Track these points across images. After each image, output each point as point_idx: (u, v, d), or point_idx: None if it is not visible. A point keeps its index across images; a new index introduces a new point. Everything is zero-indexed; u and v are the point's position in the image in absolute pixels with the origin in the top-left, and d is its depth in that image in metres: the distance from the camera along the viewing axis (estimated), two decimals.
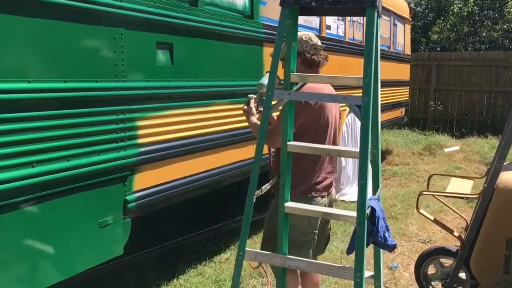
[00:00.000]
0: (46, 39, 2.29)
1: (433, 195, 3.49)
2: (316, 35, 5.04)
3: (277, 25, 2.02)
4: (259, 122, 2.86)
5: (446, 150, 9.43)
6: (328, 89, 2.75)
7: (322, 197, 2.72)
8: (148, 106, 2.91)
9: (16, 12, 2.15)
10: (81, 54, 2.48)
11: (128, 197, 2.82)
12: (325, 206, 2.71)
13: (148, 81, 2.90)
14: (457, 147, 9.62)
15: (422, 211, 3.42)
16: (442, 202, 3.59)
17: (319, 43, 2.74)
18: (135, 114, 2.82)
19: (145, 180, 2.95)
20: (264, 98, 2.73)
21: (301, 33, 2.69)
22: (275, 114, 2.95)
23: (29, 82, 2.21)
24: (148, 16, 2.85)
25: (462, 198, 3.82)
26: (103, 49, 2.61)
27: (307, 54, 2.67)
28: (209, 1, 3.43)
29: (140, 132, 2.86)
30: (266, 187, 2.37)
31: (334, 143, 2.78)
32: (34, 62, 2.25)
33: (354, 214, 1.89)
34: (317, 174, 2.70)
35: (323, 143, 2.65)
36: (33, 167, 2.26)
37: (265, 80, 2.69)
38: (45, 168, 2.31)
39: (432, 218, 3.42)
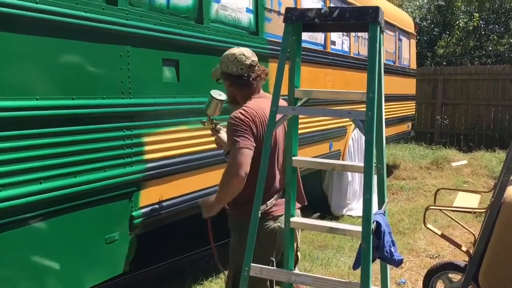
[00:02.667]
0: (53, 57, 2.33)
1: (440, 209, 3.47)
2: (321, 50, 5.11)
3: (281, 41, 2.05)
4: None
5: (453, 164, 9.37)
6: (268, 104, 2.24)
7: (275, 219, 2.45)
8: (154, 122, 2.93)
9: (24, 31, 2.19)
10: (88, 71, 2.52)
11: (134, 213, 2.83)
12: (278, 230, 2.43)
13: (154, 98, 2.93)
14: (464, 161, 9.56)
15: (429, 226, 3.40)
16: (450, 217, 3.57)
17: (248, 61, 2.49)
18: (141, 130, 2.84)
19: (151, 196, 2.96)
20: (211, 118, 2.84)
21: (229, 51, 2.52)
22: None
23: (37, 99, 2.25)
24: (154, 34, 2.89)
25: (470, 212, 3.80)
26: (110, 66, 2.64)
27: (232, 77, 2.51)
28: (215, 18, 3.47)
29: (147, 148, 2.88)
30: (271, 202, 2.38)
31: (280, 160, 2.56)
32: (42, 80, 2.29)
33: (359, 228, 1.89)
34: (267, 195, 2.40)
35: (273, 162, 2.47)
36: (41, 183, 2.28)
37: (209, 103, 2.77)
38: (52, 184, 2.33)
39: (439, 233, 3.40)
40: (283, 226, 2.25)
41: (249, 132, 2.35)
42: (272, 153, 2.42)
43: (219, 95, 2.77)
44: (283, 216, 2.29)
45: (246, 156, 2.30)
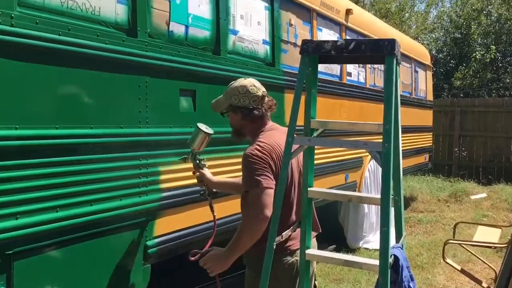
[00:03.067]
0: (74, 87, 2.38)
1: (460, 244, 3.41)
2: (337, 81, 5.14)
3: (297, 72, 2.06)
4: (213, 178, 2.70)
5: (472, 197, 9.21)
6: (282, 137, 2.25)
7: (292, 254, 2.34)
8: (170, 151, 2.95)
9: (47, 62, 2.25)
10: (107, 101, 2.56)
11: (148, 243, 2.82)
12: (296, 265, 2.31)
13: (171, 127, 2.96)
14: (484, 194, 9.39)
15: (449, 260, 3.32)
16: (470, 252, 3.49)
17: (260, 92, 2.40)
18: (157, 159, 2.86)
19: (166, 225, 2.95)
20: (194, 153, 2.64)
21: (238, 83, 2.41)
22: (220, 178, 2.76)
23: (56, 128, 2.28)
24: (172, 65, 2.93)
25: (490, 247, 3.70)
26: (128, 96, 2.69)
27: (244, 109, 2.39)
28: (232, 49, 3.52)
29: (162, 177, 2.89)
30: (286, 233, 2.35)
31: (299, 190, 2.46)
32: (61, 109, 2.33)
33: (377, 262, 1.85)
34: (283, 227, 2.29)
35: (290, 193, 2.36)
36: (57, 211, 2.29)
37: (194, 136, 2.61)
38: (68, 212, 2.34)
39: (459, 268, 3.32)
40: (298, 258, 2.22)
41: (268, 170, 2.24)
42: (289, 185, 2.32)
43: (206, 128, 2.64)
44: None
45: (271, 196, 2.19)
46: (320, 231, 2.53)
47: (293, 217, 2.40)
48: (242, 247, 2.25)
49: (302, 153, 2.12)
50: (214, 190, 2.72)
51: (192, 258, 2.36)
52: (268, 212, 2.17)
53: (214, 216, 2.66)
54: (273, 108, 2.47)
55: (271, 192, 2.20)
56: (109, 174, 2.55)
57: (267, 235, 2.10)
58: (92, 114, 2.47)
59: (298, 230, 2.29)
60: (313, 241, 2.36)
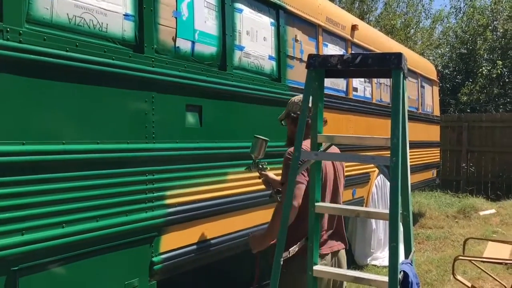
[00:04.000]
0: (80, 102, 2.39)
1: (470, 260, 3.35)
2: (343, 97, 5.14)
3: (303, 87, 2.06)
4: (276, 178, 3.00)
5: (481, 213, 9.10)
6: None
7: (322, 258, 2.56)
8: (177, 166, 2.94)
9: (55, 78, 2.26)
10: (114, 116, 2.57)
11: (154, 259, 2.79)
12: (328, 265, 2.58)
13: (177, 142, 2.96)
14: (493, 210, 9.28)
15: (459, 277, 3.27)
16: (480, 268, 3.43)
17: (310, 104, 2.72)
18: (164, 174, 2.85)
19: (172, 241, 2.93)
20: (256, 161, 3.02)
21: (295, 98, 2.81)
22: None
23: (63, 144, 2.29)
24: (179, 80, 2.94)
25: (501, 263, 3.63)
26: (135, 111, 2.69)
27: (293, 115, 2.73)
28: (238, 65, 3.54)
29: (169, 192, 2.88)
30: (293, 249, 2.32)
31: (336, 198, 2.75)
32: (68, 125, 2.34)
33: (386, 279, 1.82)
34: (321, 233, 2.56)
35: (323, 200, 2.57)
36: (63, 227, 2.28)
37: (254, 145, 2.97)
38: (74, 228, 2.33)
39: (469, 285, 3.26)
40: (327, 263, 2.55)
41: (302, 167, 2.40)
42: (322, 192, 2.50)
43: (263, 137, 2.99)
44: (330, 255, 2.61)
45: (300, 189, 2.45)
46: (347, 247, 2.78)
47: (324, 224, 2.62)
48: (273, 231, 2.56)
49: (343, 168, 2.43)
50: (280, 189, 2.93)
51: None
52: (296, 202, 2.43)
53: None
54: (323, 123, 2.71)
55: (301, 186, 2.47)
56: (115, 189, 2.55)
57: (295, 236, 2.37)
58: (98, 130, 2.47)
59: (327, 240, 2.62)
60: (342, 252, 2.71)
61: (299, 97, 2.80)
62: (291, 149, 2.45)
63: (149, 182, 2.76)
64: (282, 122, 2.89)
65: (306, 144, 2.49)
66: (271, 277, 1.97)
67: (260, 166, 3.05)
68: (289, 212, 2.23)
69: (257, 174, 3.09)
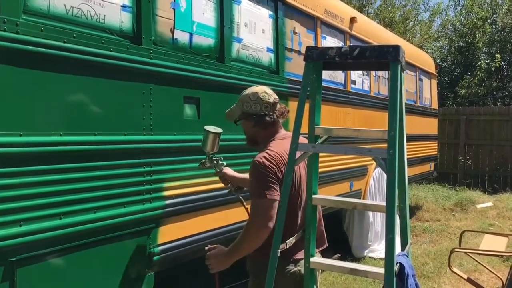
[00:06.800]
0: (77, 94, 2.38)
1: (466, 252, 3.37)
2: (341, 89, 5.14)
3: (301, 80, 2.06)
4: (235, 174, 2.77)
5: (478, 206, 9.14)
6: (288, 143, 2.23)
7: (296, 263, 2.32)
8: (174, 158, 2.95)
9: (51, 69, 2.26)
10: (111, 108, 2.56)
11: (152, 250, 2.80)
12: (298, 275, 2.29)
13: (175, 134, 2.96)
14: (490, 203, 9.32)
15: (455, 269, 3.29)
16: (476, 261, 3.45)
17: (271, 99, 2.39)
18: (161, 166, 2.85)
19: (170, 233, 2.94)
20: (210, 156, 2.70)
21: (250, 90, 2.42)
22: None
23: (60, 135, 2.28)
24: (176, 72, 2.94)
25: (497, 256, 3.66)
26: (132, 103, 2.69)
27: (256, 116, 2.38)
28: (236, 57, 3.53)
29: (166, 184, 2.89)
30: (290, 241, 2.33)
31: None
32: (65, 116, 2.33)
33: (382, 270, 1.83)
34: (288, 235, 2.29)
35: (295, 201, 2.36)
36: (60, 218, 2.29)
37: (205, 139, 2.65)
38: (72, 220, 2.33)
39: (465, 277, 3.29)
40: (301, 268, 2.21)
41: (274, 180, 2.23)
42: (296, 192, 2.33)
43: (214, 128, 2.68)
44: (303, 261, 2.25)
45: (275, 208, 2.20)
46: (326, 245, 2.52)
47: (298, 225, 2.38)
48: (241, 252, 2.30)
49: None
50: (240, 185, 2.77)
51: (206, 248, 2.42)
52: (271, 223, 2.18)
53: (246, 209, 2.58)
54: (285, 115, 2.46)
55: (275, 204, 2.20)
56: (113, 181, 2.55)
57: (268, 241, 2.11)
58: (96, 121, 2.47)
59: (303, 239, 2.28)
60: (318, 255, 2.33)
61: (250, 92, 2.40)
62: (260, 157, 2.27)
63: (147, 174, 2.76)
64: (237, 122, 2.50)
65: (281, 148, 2.30)
66: (267, 272, 1.97)
67: (215, 162, 2.74)
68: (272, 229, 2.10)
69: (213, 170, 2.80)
